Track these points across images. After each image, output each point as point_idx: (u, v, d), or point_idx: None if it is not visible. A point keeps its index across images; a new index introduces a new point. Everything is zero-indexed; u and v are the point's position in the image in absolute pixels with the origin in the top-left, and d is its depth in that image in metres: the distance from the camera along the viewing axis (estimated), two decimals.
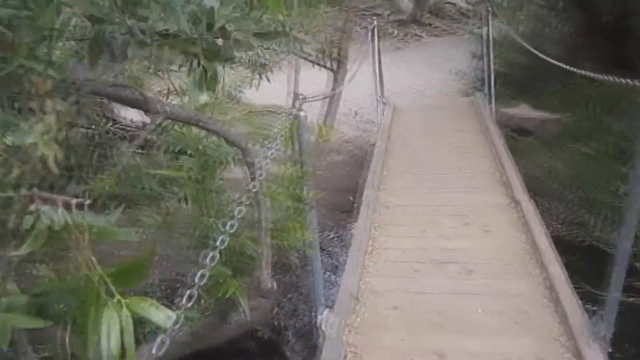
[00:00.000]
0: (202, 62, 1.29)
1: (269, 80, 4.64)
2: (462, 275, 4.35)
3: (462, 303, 3.97)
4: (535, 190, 5.79)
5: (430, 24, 16.58)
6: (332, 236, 6.73)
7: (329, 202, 6.29)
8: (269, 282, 2.73)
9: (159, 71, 2.54)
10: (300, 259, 5.90)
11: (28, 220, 1.03)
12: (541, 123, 8.63)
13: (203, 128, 2.39)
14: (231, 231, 2.27)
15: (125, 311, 0.98)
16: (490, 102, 8.47)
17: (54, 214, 1.02)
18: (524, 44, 7.35)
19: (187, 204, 2.78)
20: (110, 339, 0.96)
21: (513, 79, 9.28)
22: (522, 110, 9.04)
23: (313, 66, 7.14)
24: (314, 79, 7.48)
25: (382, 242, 4.93)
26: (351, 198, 7.43)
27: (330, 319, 3.74)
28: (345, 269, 4.47)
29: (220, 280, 2.68)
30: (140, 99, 2.06)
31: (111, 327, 0.96)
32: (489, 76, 8.47)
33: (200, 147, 2.81)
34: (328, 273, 6.03)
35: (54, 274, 1.74)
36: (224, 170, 3.01)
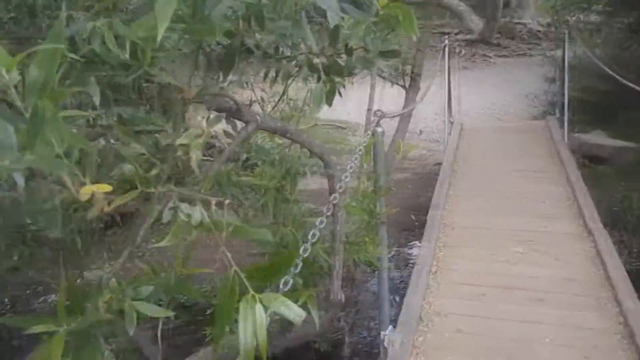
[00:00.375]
0: (323, 76, 1.34)
1: (340, 95, 4.66)
2: (530, 302, 4.22)
3: (530, 332, 3.85)
4: (607, 220, 5.57)
5: (499, 44, 16.28)
6: (393, 254, 6.69)
7: (391, 219, 6.26)
8: (339, 294, 2.75)
9: (246, 82, 2.63)
10: (362, 274, 5.91)
11: (167, 215, 1.11)
12: (616, 151, 8.30)
13: (290, 138, 2.46)
14: (313, 241, 2.32)
15: (271, 306, 1.04)
16: (563, 127, 8.22)
17: (192, 211, 1.09)
18: (606, 69, 7.11)
19: (266, 212, 2.84)
20: (258, 332, 1.02)
21: (587, 104, 8.99)
22: (596, 137, 8.73)
23: (392, 85, 7.16)
24: (383, 96, 7.51)
25: (447, 263, 4.86)
26: (413, 217, 7.38)
27: (394, 337, 3.72)
28: (409, 288, 4.43)
29: (293, 289, 2.72)
30: (235, 107, 2.14)
31: (258, 321, 1.02)
32: (564, 100, 8.23)
33: (280, 156, 2.88)
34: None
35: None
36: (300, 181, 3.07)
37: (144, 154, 1.15)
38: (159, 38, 0.81)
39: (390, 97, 8.07)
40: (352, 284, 5.66)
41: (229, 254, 1.07)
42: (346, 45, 1.30)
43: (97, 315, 1.08)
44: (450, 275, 4.67)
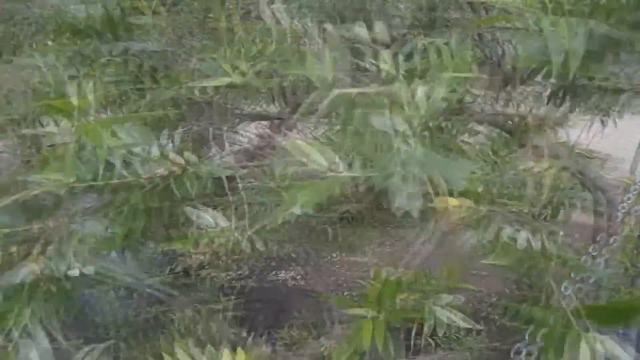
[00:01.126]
0: None
1: (609, 125, 4.21)
2: None
3: None
4: None
5: None
6: None
7: None
8: None
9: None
10: None
11: (490, 234, 1.15)
12: None
13: (567, 166, 2.31)
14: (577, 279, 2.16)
15: (599, 346, 1.04)
16: None
17: (521, 236, 1.12)
18: None
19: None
20: None
21: None
22: None
23: None
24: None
25: None
26: None
27: None
28: None
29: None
30: None
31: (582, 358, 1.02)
32: None
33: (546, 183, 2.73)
34: None
35: None
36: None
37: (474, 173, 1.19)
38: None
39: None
40: None
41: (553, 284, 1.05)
42: None
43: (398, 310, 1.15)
44: None
